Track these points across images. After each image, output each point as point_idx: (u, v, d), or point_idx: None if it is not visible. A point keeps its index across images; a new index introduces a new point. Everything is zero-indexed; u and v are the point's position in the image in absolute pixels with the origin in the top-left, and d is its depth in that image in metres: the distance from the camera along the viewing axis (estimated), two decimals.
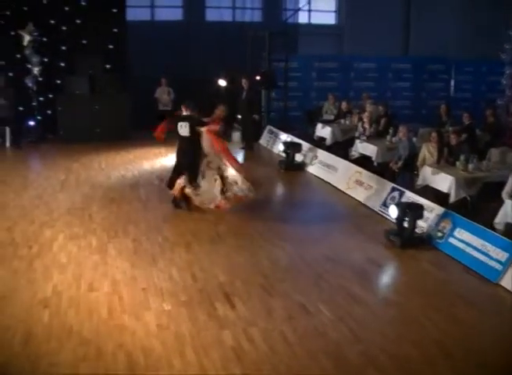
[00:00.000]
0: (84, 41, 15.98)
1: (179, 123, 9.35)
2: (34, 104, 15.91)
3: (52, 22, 15.77)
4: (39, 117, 16.02)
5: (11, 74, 15.58)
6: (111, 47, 16.30)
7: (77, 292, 6.35)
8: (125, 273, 6.88)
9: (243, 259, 7.36)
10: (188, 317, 5.80)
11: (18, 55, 15.56)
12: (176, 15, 19.30)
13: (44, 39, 15.59)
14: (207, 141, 9.36)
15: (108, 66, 16.27)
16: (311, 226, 9.01)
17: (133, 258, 7.36)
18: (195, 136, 9.33)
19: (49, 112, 16.07)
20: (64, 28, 15.88)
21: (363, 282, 6.80)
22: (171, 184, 9.51)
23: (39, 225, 8.71)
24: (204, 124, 9.35)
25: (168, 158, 13.56)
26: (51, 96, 15.97)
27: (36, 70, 15.55)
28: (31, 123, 15.90)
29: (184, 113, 9.55)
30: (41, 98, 16.07)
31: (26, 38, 15.11)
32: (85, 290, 6.42)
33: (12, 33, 15.33)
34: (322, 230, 8.68)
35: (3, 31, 15.33)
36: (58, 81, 15.96)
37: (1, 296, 6.26)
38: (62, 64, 16.07)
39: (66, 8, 15.71)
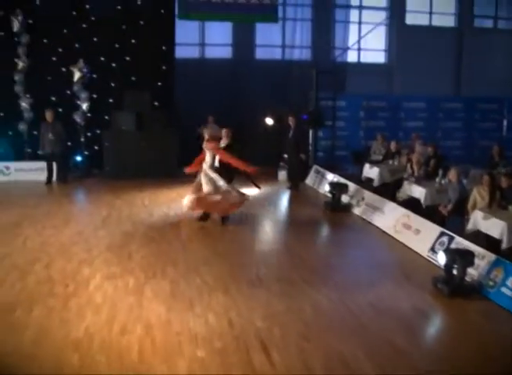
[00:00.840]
0: (133, 78, 16.14)
1: None
2: (82, 139, 16.11)
3: (102, 59, 16.01)
4: (86, 152, 16.19)
5: (60, 110, 15.80)
6: (159, 84, 16.43)
7: (109, 334, 6.12)
8: (160, 316, 6.63)
9: (284, 305, 7.02)
10: (221, 366, 5.49)
11: (68, 91, 15.82)
12: (226, 53, 19.35)
13: (94, 75, 15.82)
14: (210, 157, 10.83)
15: (155, 103, 16.36)
16: (356, 271, 8.64)
17: (170, 301, 7.11)
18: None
19: (96, 147, 16.22)
20: (114, 65, 16.10)
21: (408, 333, 6.37)
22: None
23: (77, 262, 8.57)
24: (209, 143, 10.82)
25: None
26: (98, 132, 16.13)
27: (84, 106, 15.75)
28: (78, 158, 16.05)
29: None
30: (89, 134, 16.26)
31: (77, 74, 15.35)
32: (117, 332, 6.19)
33: (64, 69, 15.61)
34: (368, 276, 8.30)
35: (55, 67, 15.62)
36: (106, 117, 16.12)
37: (34, 337, 6.09)
38: (111, 100, 16.25)
39: (117, 46, 15.95)
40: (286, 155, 15.53)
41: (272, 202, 13.46)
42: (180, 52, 17.50)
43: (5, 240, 9.82)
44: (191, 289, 7.52)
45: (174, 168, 15.53)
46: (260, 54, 19.54)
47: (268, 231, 11.28)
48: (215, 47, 19.12)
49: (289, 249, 9.40)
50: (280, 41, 19.45)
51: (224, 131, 11.76)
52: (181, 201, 12.99)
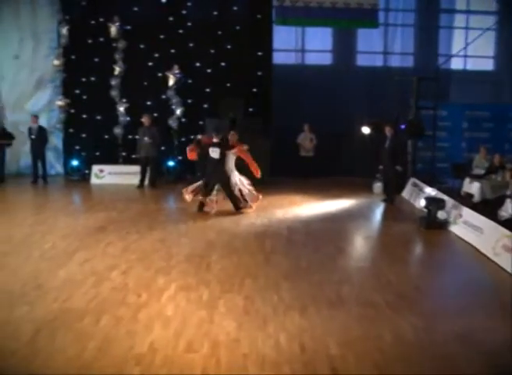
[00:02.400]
0: (228, 84, 15.98)
1: (211, 148, 12.17)
2: (176, 144, 16.14)
3: (198, 64, 15.97)
4: (179, 157, 16.19)
5: (156, 114, 15.89)
6: (254, 90, 16.18)
7: (174, 351, 5.82)
8: (229, 333, 6.26)
9: (362, 330, 6.46)
10: None
11: (163, 96, 15.89)
12: (325, 59, 18.85)
13: (189, 81, 15.80)
14: (232, 160, 12.38)
15: (250, 110, 16.12)
16: (447, 297, 7.92)
17: (242, 318, 6.72)
18: (224, 158, 12.25)
19: None
20: (209, 71, 16.01)
21: (498, 370, 5.68)
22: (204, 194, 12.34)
23: (155, 271, 8.38)
24: (232, 148, 12.27)
25: (302, 208, 13.08)
26: (192, 137, 16.06)
27: (179, 111, 15.77)
28: (170, 163, 16.07)
29: (214, 140, 12.28)
30: (183, 139, 16.26)
31: (171, 80, 15.39)
32: (182, 349, 5.87)
33: (159, 74, 15.69)
34: (459, 303, 7.56)
35: (150, 73, 15.73)
36: (200, 123, 16.04)
37: (98, 346, 5.90)
38: (205, 106, 16.17)
39: (212, 51, 15.85)
40: (382, 166, 14.84)
41: (363, 216, 12.85)
42: (278, 58, 17.20)
43: (89, 244, 9.84)
44: (266, 306, 7.11)
45: (266, 175, 15.17)
46: (360, 60, 18.93)
47: (356, 247, 10.72)
48: (313, 53, 18.68)
49: (376, 268, 8.81)
50: (381, 47, 18.75)
51: (231, 134, 12.78)
52: (272, 210, 12.77)
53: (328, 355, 5.82)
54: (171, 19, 15.79)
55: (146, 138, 14.88)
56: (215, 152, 12.18)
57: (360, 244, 10.84)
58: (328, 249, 9.88)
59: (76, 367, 5.53)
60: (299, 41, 18.36)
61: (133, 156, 15.52)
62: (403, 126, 14.90)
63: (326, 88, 17.36)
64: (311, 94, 16.99)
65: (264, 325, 6.52)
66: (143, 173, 15.22)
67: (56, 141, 16.69)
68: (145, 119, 15.04)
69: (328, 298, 7.44)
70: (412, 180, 15.01)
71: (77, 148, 16.66)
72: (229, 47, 15.96)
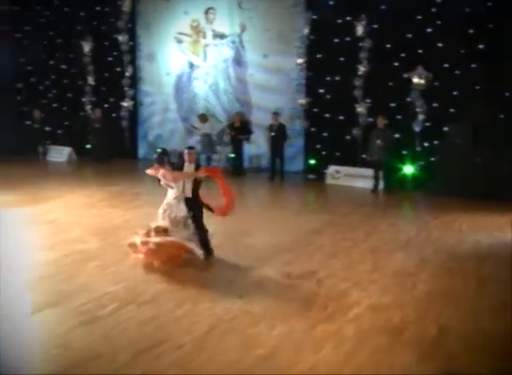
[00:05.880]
0: (477, 87, 14.56)
1: None
2: (418, 149, 15.31)
3: (446, 65, 14.85)
4: (421, 163, 15.27)
5: (399, 117, 15.20)
6: (507, 94, 14.51)
7: None
8: (404, 367, 5.54)
9: None
10: None
11: (408, 99, 15.13)
12: None
13: (436, 83, 14.80)
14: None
15: (501, 116, 14.51)
16: None
17: (425, 353, 5.90)
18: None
19: (430, 159, 15.16)
20: (457, 72, 14.78)
21: None
22: None
23: (352, 283, 7.87)
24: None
25: None
26: (436, 142, 15.07)
27: (422, 115, 14.92)
28: (408, 169, 15.23)
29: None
30: (426, 144, 15.33)
31: (416, 81, 14.59)
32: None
33: (405, 75, 14.96)
34: None
35: (395, 73, 15.08)
36: (445, 128, 14.88)
37: (263, 355, 5.68)
38: (452, 110, 14.98)
39: (462, 52, 14.59)
40: None
41: None
42: None
43: (297, 246, 9.69)
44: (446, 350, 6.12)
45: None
46: None
47: None
48: None
49: None
50: None
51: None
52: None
53: None
54: (419, 17, 14.90)
55: (378, 141, 14.27)
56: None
57: None
58: None
59: (233, 373, 5.39)
60: None
61: (364, 157, 15.02)
62: None
63: None
64: None
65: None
66: (376, 177, 14.65)
67: (296, 139, 16.84)
68: (379, 121, 14.46)
69: None
70: None
71: (317, 146, 16.66)
72: (480, 46, 14.49)
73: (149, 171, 8.90)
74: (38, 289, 7.53)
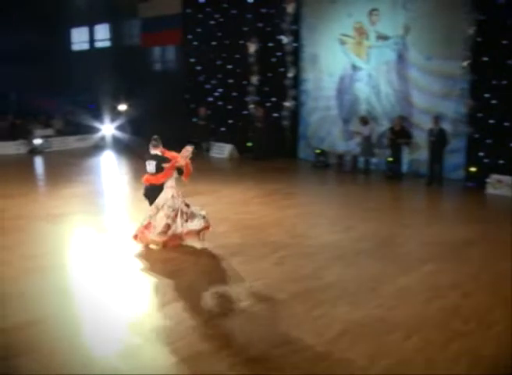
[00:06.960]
0: None
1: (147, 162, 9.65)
2: None
3: None
4: None
5: None
6: None
7: None
8: None
9: None
10: None
11: None
12: None
13: None
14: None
15: None
16: None
17: None
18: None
19: None
20: None
21: None
22: None
23: (500, 299, 7.44)
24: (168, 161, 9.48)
25: None
26: None
27: None
28: None
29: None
30: None
31: None
32: None
33: None
34: None
35: None
36: None
37: (389, 366, 5.61)
38: None
39: None
40: None
41: None
42: None
43: (449, 260, 9.27)
44: None
45: None
46: None
47: None
48: None
49: None
50: None
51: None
52: None
53: None
54: None
55: None
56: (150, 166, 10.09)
57: None
58: None
59: None
60: None
61: None
62: None
63: None
64: None
65: None
66: None
67: (458, 144, 16.06)
68: None
69: None
70: None
71: (480, 154, 15.80)
72: None
73: (182, 160, 9.49)
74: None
